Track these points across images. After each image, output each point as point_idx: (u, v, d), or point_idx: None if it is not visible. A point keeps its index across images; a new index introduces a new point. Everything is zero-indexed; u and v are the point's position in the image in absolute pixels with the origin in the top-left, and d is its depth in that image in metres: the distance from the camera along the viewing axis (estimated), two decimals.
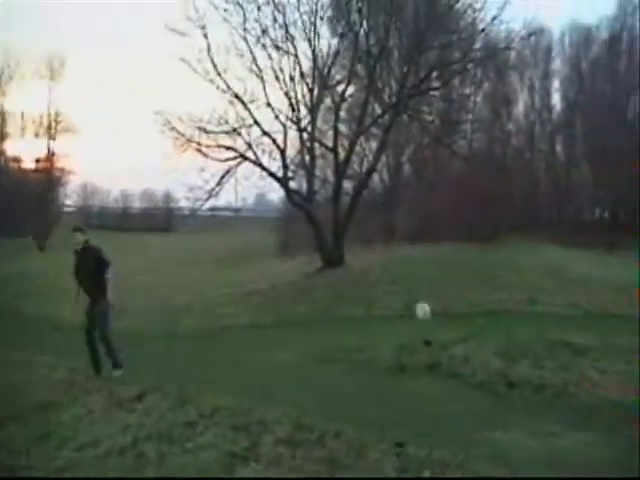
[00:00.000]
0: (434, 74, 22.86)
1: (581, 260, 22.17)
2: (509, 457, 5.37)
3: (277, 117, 20.94)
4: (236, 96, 20.20)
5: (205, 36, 19.79)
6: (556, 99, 53.57)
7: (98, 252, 8.41)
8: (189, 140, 19.95)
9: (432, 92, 24.24)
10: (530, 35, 27.82)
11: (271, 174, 20.75)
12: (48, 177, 49.42)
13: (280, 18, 20.97)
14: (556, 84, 53.23)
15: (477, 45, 23.41)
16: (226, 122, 20.10)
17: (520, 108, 52.27)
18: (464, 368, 8.37)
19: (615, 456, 5.57)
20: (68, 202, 58.54)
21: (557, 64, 52.95)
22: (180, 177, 19.34)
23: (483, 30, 22.45)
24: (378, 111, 24.63)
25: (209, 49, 19.90)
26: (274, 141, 20.67)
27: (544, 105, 52.72)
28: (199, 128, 19.96)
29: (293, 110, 21.24)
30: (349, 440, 5.59)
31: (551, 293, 14.87)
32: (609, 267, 20.47)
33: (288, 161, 21.13)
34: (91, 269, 8.30)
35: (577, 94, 52.20)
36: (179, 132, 19.86)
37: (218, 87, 20.20)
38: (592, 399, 7.12)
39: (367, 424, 6.15)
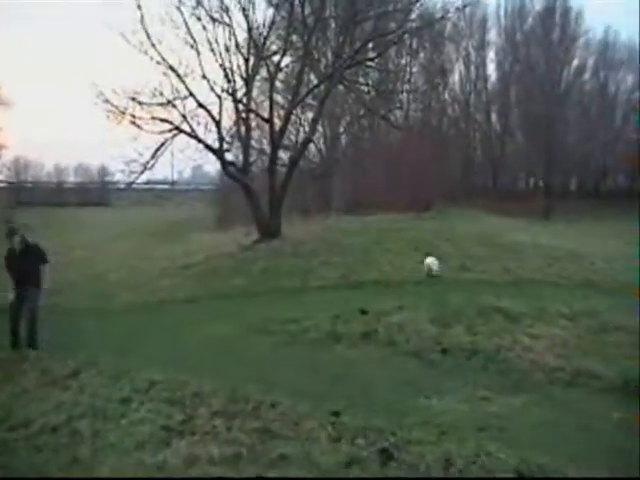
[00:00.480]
0: (370, 44, 22.83)
1: (515, 228, 22.58)
2: (442, 423, 5.49)
3: (212, 89, 20.66)
4: (171, 68, 19.81)
5: (139, 7, 19.35)
6: (491, 69, 54.12)
7: (38, 251, 8.74)
8: (123, 112, 19.54)
9: (368, 62, 24.17)
10: (465, 6, 27.82)
11: (207, 146, 20.52)
12: None
13: None
14: (491, 55, 53.73)
15: (413, 16, 23.47)
16: (161, 94, 19.72)
17: (456, 78, 52.68)
18: (399, 336, 8.49)
19: (544, 418, 5.74)
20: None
21: (492, 35, 53.45)
22: (115, 150, 19.03)
23: (418, 0, 22.50)
24: (314, 81, 24.49)
25: (143, 20, 19.44)
26: (210, 113, 20.42)
27: (479, 75, 53.23)
28: (133, 100, 19.54)
29: (229, 81, 20.99)
30: (285, 410, 5.67)
31: (485, 260, 15.11)
32: (542, 234, 20.87)
33: (224, 133, 20.90)
34: (29, 265, 8.63)
35: (512, 64, 52.80)
36: (113, 104, 19.45)
37: (152, 59, 19.76)
38: (523, 363, 7.31)
39: (303, 394, 6.24)
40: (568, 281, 13.35)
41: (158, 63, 19.75)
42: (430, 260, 11.63)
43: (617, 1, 67.35)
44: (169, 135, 19.89)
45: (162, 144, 19.77)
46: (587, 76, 55.32)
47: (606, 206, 44.69)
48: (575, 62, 53.52)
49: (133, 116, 19.43)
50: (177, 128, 19.92)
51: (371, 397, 6.27)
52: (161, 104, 19.75)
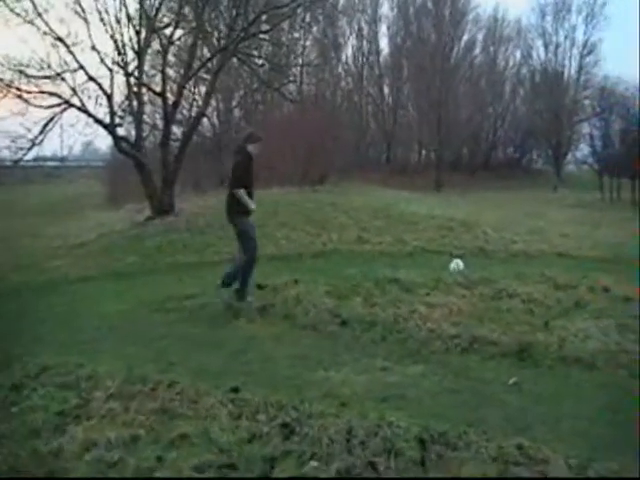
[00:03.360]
0: (263, 17, 22.65)
1: (409, 200, 22.96)
2: (342, 395, 5.50)
3: (103, 61, 20.08)
4: (59, 39, 19.15)
5: None
6: (384, 43, 54.81)
7: None
8: (8, 85, 18.77)
9: (261, 35, 24.07)
10: None
11: (98, 121, 19.96)
12: None
13: None
14: (384, 29, 54.34)
15: None
16: (48, 66, 18.96)
17: (349, 52, 53.11)
18: (297, 309, 8.45)
19: (443, 385, 5.83)
20: None
21: (385, 9, 54.08)
22: (0, 126, 18.32)
23: None
24: (207, 55, 24.19)
25: None
26: (100, 86, 19.84)
27: (372, 49, 53.79)
28: (20, 72, 18.79)
29: (119, 54, 20.42)
30: (183, 389, 5.55)
31: (380, 232, 15.29)
32: (436, 206, 21.28)
33: (115, 107, 20.38)
34: None
35: (404, 39, 53.54)
36: None
37: (39, 29, 19.07)
38: (421, 332, 7.37)
39: (201, 372, 6.17)
40: (462, 250, 13.63)
41: (45, 33, 19.03)
42: (455, 264, 11.38)
43: None
44: (58, 109, 19.25)
45: (51, 119, 19.11)
46: (477, 51, 56.67)
47: (496, 177, 46.08)
48: (465, 37, 54.75)
49: (19, 89, 18.68)
50: (67, 102, 19.28)
51: (271, 372, 6.23)
52: (49, 77, 19.05)
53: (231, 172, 9.22)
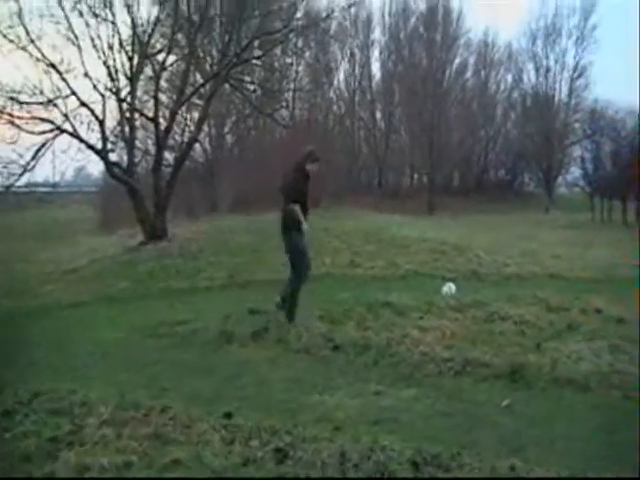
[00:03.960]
0: (256, 43, 22.78)
1: (401, 224, 22.97)
2: (336, 419, 5.50)
3: (95, 87, 20.10)
4: (52, 65, 19.21)
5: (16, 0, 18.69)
6: (376, 68, 55.09)
7: None
8: (0, 111, 18.83)
9: (254, 61, 24.20)
10: (350, 5, 28.37)
11: (90, 146, 19.98)
12: None
13: None
14: (376, 54, 54.70)
15: (298, 14, 23.61)
16: (41, 92, 19.00)
17: (341, 77, 53.40)
18: (290, 334, 8.45)
19: (436, 408, 5.83)
20: None
21: (377, 34, 54.46)
22: None
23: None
24: (200, 81, 24.30)
25: (21, 14, 18.78)
26: (92, 112, 19.88)
27: (364, 74, 54.09)
28: (11, 99, 18.82)
29: (112, 80, 20.48)
30: (176, 414, 5.53)
31: (373, 256, 15.31)
32: (428, 229, 21.33)
33: (108, 132, 20.41)
34: None
35: (395, 63, 53.89)
36: None
37: (32, 55, 19.11)
38: (414, 356, 7.38)
39: (194, 397, 6.15)
40: (455, 274, 13.65)
41: (38, 60, 19.09)
42: (447, 287, 11.42)
43: (496, 2, 69.39)
44: (50, 135, 19.25)
45: (43, 145, 19.10)
46: (468, 74, 57.06)
47: (487, 200, 46.21)
48: (457, 61, 55.14)
49: (11, 115, 18.71)
50: (58, 128, 19.29)
51: (264, 396, 6.22)
52: (41, 103, 19.09)
53: (288, 188, 9.30)
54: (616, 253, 17.77)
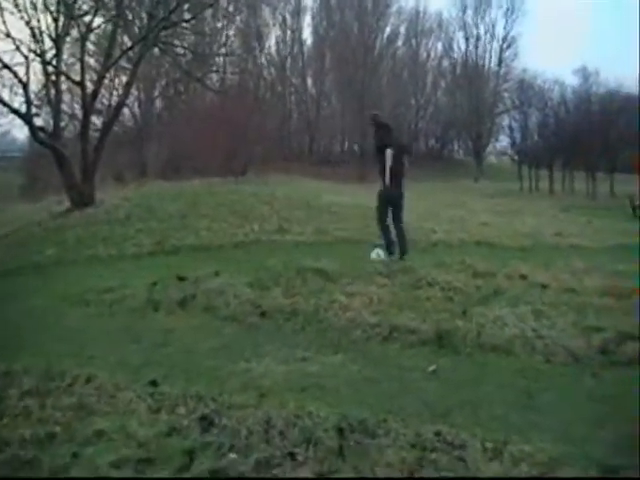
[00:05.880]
0: (185, 6, 22.44)
1: (331, 191, 22.98)
2: (262, 386, 5.48)
3: (18, 48, 19.55)
4: None
5: None
6: (307, 34, 54.81)
7: None
8: None
9: (183, 24, 23.81)
10: None
11: (14, 110, 19.49)
12: None
13: None
14: (308, 19, 54.39)
15: None
16: None
17: (272, 42, 52.98)
18: (217, 301, 8.38)
19: (363, 374, 5.86)
20: None
21: (308, 0, 54.11)
22: None
23: None
24: (128, 43, 23.82)
25: None
26: (15, 74, 19.35)
27: (296, 40, 53.77)
28: None
29: (36, 41, 19.94)
30: (101, 384, 5.47)
31: (302, 223, 15.26)
32: (357, 197, 21.36)
33: (32, 96, 19.92)
34: None
35: (327, 30, 53.71)
36: None
37: None
38: (341, 322, 7.39)
39: (120, 365, 6.09)
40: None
41: None
42: (375, 253, 11.42)
43: None
44: None
45: None
46: (399, 43, 57.23)
47: (417, 168, 46.45)
48: (388, 29, 55.22)
49: None
50: None
51: (191, 364, 6.17)
52: None
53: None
54: (542, 221, 18.11)
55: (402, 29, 57.10)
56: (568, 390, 5.48)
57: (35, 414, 4.95)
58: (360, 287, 8.72)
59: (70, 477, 4.12)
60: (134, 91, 31.43)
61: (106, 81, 25.07)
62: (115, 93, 29.62)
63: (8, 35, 19.24)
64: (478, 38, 57.38)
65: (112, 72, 25.93)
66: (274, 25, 52.73)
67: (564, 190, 33.86)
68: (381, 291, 8.53)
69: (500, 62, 57.69)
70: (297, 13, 53.19)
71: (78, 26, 21.43)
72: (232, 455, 4.18)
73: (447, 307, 7.86)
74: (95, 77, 22.46)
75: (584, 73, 44.45)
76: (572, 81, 56.22)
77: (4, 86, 19.30)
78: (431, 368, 5.98)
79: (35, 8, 19.83)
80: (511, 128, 43.07)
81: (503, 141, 50.62)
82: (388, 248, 10.66)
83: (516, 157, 41.57)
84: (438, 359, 6.26)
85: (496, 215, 20.19)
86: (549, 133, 37.23)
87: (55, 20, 20.08)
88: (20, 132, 37.85)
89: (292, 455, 4.15)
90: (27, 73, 19.65)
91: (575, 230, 17.01)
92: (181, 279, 9.47)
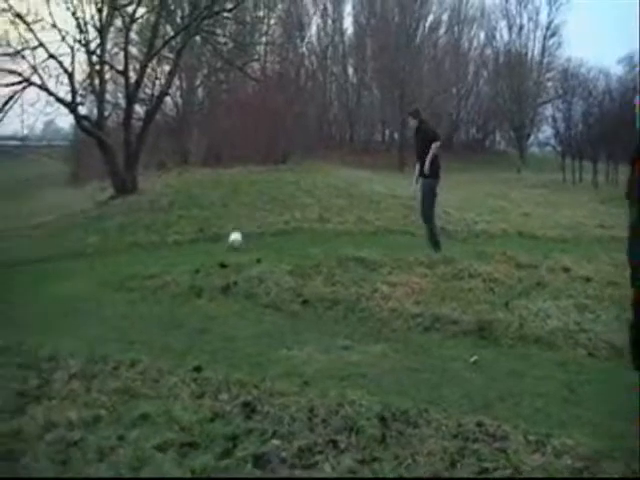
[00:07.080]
0: None
1: (372, 180, 22.90)
2: (304, 373, 5.51)
3: (64, 39, 19.80)
4: (18, 15, 18.81)
5: None
6: (348, 22, 54.55)
7: None
8: None
9: (225, 14, 23.87)
10: None
11: (59, 99, 19.72)
12: None
13: None
14: (348, 8, 54.14)
15: None
16: (8, 44, 18.71)
17: (313, 31, 52.85)
18: (258, 288, 8.45)
19: (404, 364, 5.86)
20: None
21: None
22: None
23: None
24: (170, 33, 23.96)
25: None
26: (61, 64, 19.60)
27: (336, 29, 53.55)
28: None
29: (81, 32, 20.19)
30: (145, 368, 5.53)
31: (342, 212, 15.27)
32: (398, 186, 21.26)
33: (77, 85, 20.16)
34: None
35: (368, 18, 53.39)
36: None
37: None
38: (383, 311, 7.42)
39: (163, 351, 6.16)
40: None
41: (4, 10, 18.68)
42: (234, 236, 11.65)
43: None
44: (18, 88, 18.96)
45: (11, 97, 18.82)
46: (441, 31, 56.65)
47: (458, 159, 46.13)
48: (430, 17, 54.67)
49: None
50: (27, 80, 18.98)
51: (233, 350, 6.23)
52: (8, 54, 18.73)
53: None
54: (585, 213, 17.90)
55: (444, 17, 56.57)
56: (610, 385, 5.45)
57: (81, 397, 5.02)
58: (401, 277, 8.72)
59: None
60: (176, 80, 31.54)
61: (149, 70, 25.17)
62: (158, 82, 29.76)
63: (54, 26, 19.50)
64: (521, 27, 56.64)
65: (155, 62, 26.09)
66: (315, 14, 52.64)
67: (608, 182, 33.28)
68: (423, 281, 8.52)
69: (543, 51, 56.89)
70: (338, 2, 53.00)
71: (122, 16, 21.63)
72: (275, 441, 4.21)
73: (489, 298, 7.84)
74: (138, 67, 22.60)
75: (630, 61, 43.83)
76: (617, 70, 55.34)
77: (50, 76, 19.54)
78: (472, 359, 5.97)
79: None
80: (554, 118, 42.32)
81: (546, 131, 49.90)
82: (435, 239, 10.65)
83: (559, 148, 40.91)
84: (479, 350, 6.25)
85: (538, 206, 19.96)
86: (593, 122, 36.60)
87: (99, 10, 20.32)
88: (65, 121, 38.29)
89: (334, 442, 4.17)
90: (72, 63, 19.95)
91: (618, 222, 16.78)
92: (223, 266, 9.55)
